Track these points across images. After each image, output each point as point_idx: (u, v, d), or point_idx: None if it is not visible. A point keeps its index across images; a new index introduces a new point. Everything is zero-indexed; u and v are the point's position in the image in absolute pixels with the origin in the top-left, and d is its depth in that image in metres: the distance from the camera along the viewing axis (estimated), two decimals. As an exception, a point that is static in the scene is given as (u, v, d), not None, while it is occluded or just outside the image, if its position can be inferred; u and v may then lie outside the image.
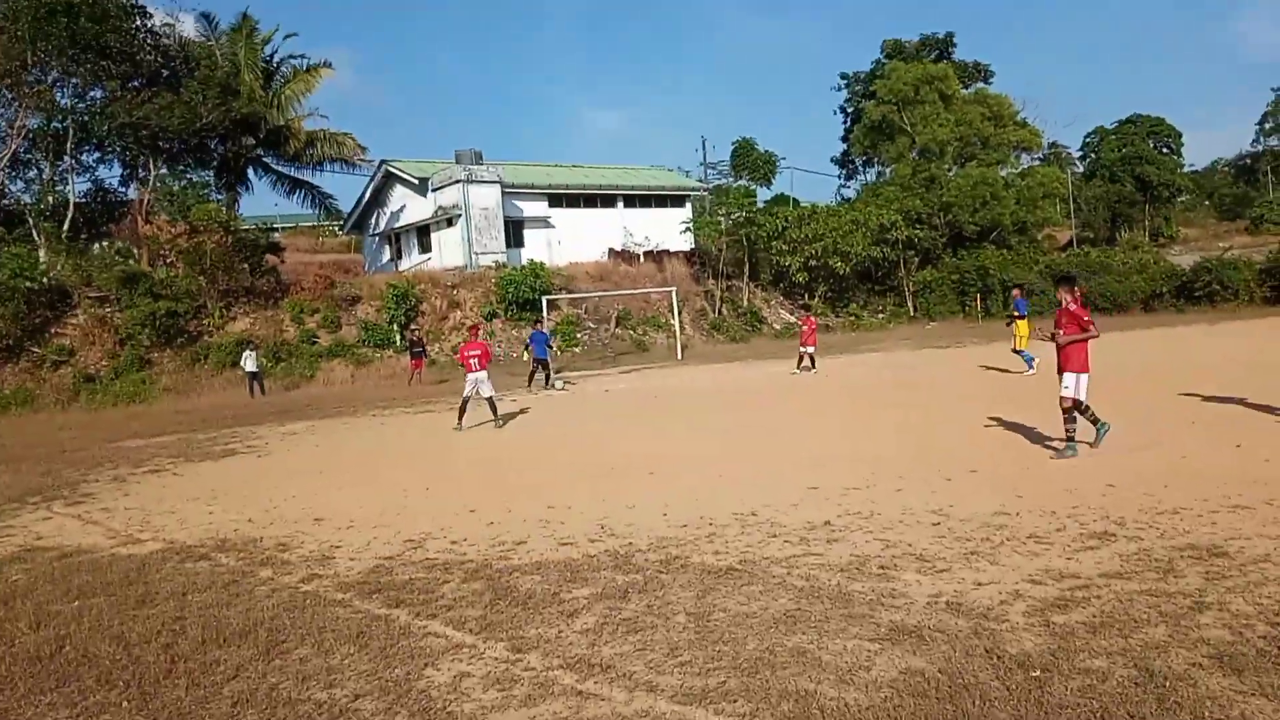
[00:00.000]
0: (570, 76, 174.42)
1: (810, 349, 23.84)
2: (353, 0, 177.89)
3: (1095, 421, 9.96)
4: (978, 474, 9.25)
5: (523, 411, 19.03)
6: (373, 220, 47.96)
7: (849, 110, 71.46)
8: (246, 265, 34.60)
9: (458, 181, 40.20)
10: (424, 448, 14.85)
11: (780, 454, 11.58)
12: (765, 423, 14.83)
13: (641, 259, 43.76)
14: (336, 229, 54.94)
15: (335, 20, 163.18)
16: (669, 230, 45.28)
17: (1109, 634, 4.77)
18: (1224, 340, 24.87)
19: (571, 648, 5.16)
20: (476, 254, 40.11)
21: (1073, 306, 10.17)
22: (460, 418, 16.24)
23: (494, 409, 16.47)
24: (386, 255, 47.32)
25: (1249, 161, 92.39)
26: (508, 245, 41.49)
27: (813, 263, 41.78)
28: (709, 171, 63.59)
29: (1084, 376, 9.91)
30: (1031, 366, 18.78)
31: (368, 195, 46.82)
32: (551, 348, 27.25)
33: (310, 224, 61.53)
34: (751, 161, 52.94)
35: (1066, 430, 9.95)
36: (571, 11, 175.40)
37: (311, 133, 41.02)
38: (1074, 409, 9.93)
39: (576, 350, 35.91)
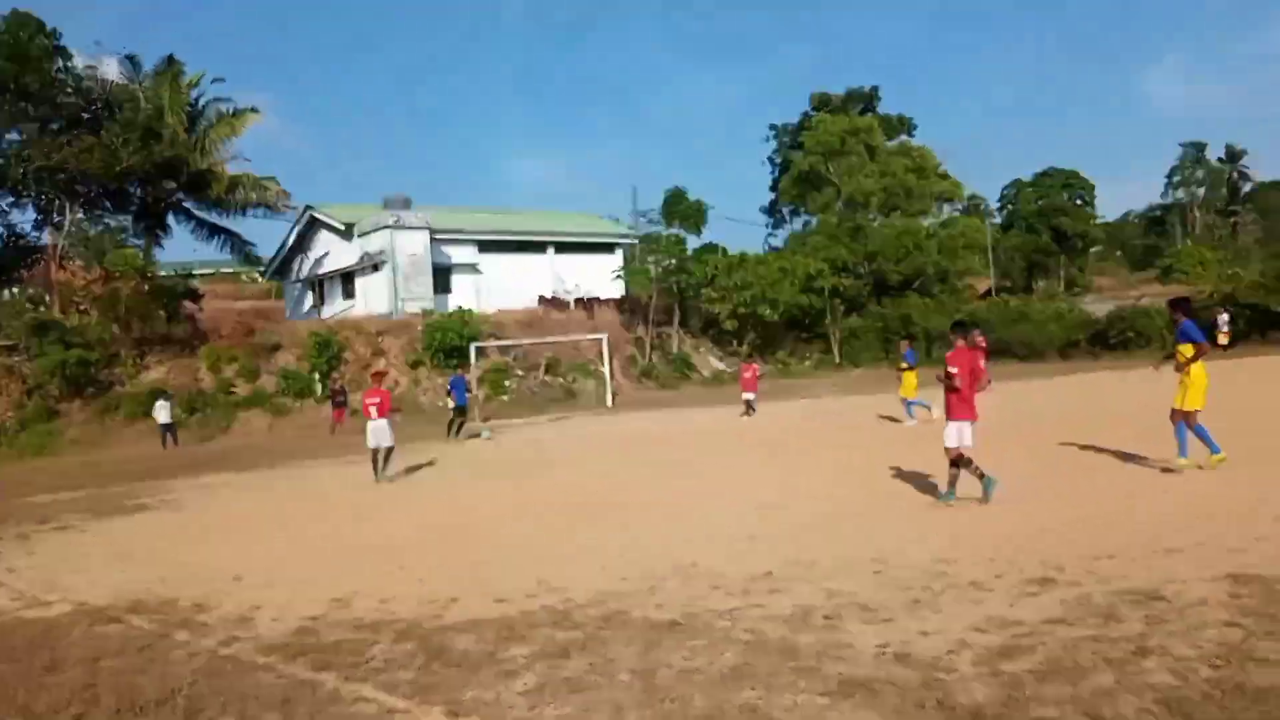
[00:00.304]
0: (499, 124, 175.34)
1: (750, 395, 24.07)
2: (282, 45, 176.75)
3: (980, 476, 9.76)
4: (914, 521, 9.26)
5: (431, 464, 18.67)
6: (295, 266, 47.11)
7: (777, 161, 72.93)
8: (163, 312, 33.58)
9: (385, 227, 39.75)
10: (348, 501, 14.38)
11: (717, 503, 11.48)
12: (699, 471, 14.72)
13: (572, 306, 43.68)
14: (258, 275, 53.87)
15: (264, 65, 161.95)
16: (599, 277, 45.31)
17: (1057, 682, 4.73)
18: (1142, 386, 25.57)
19: (512, 710, 4.94)
20: (403, 300, 39.59)
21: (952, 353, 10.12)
22: (375, 469, 15.87)
23: (385, 462, 15.91)
24: (309, 302, 46.46)
25: (1158, 213, 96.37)
26: (435, 292, 41.03)
27: (742, 310, 42.14)
28: (639, 219, 64.04)
29: (964, 425, 9.81)
30: (913, 416, 19.01)
31: (291, 241, 46.04)
32: (472, 393, 26.86)
33: (230, 270, 60.23)
34: (682, 210, 53.27)
35: (949, 476, 10.01)
36: (500, 61, 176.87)
37: (235, 177, 40.31)
38: (957, 460, 9.88)
39: (505, 398, 35.50)
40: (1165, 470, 10.68)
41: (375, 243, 40.42)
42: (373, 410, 15.98)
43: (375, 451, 15.85)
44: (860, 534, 8.82)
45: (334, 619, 7.08)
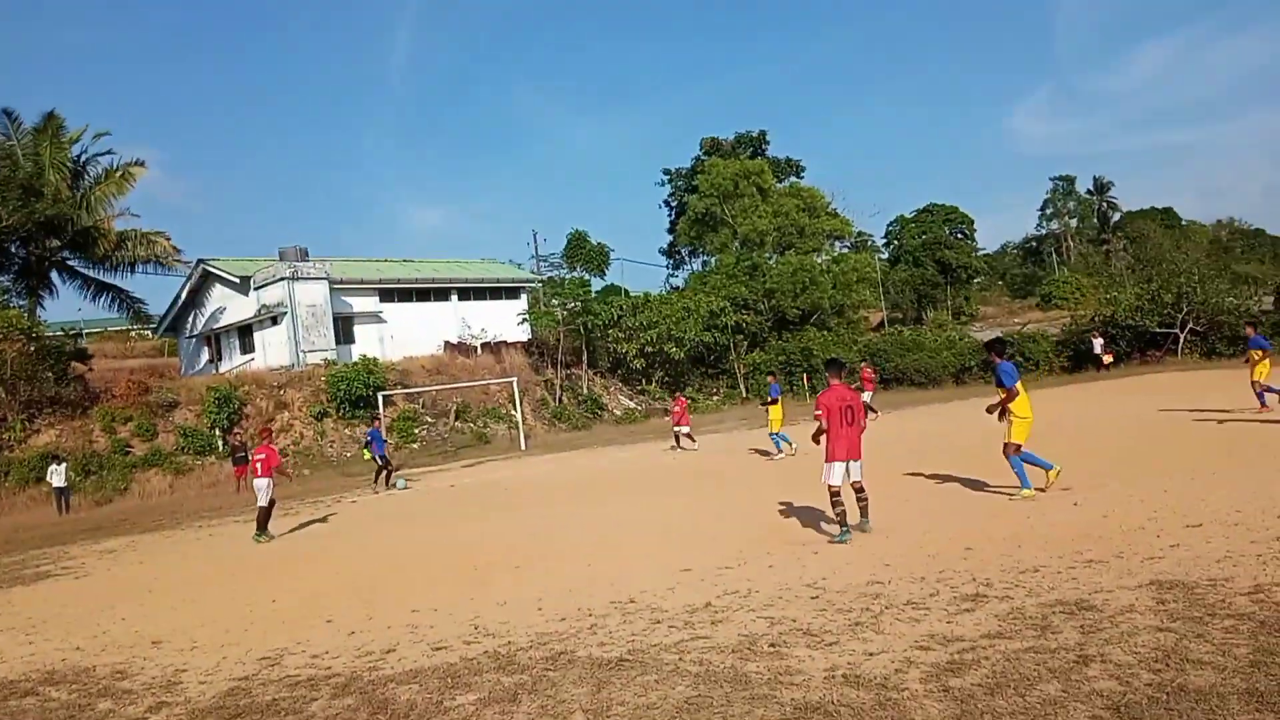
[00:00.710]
0: (394, 174, 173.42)
1: (683, 429, 24.59)
2: (170, 99, 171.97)
3: (839, 521, 9.74)
4: (840, 547, 9.41)
5: (325, 520, 18.20)
6: (190, 321, 45.55)
7: (673, 204, 74.19)
8: (50, 374, 32.00)
9: (283, 279, 38.83)
10: (261, 558, 13.86)
11: (646, 538, 11.48)
12: (621, 508, 14.70)
13: (479, 351, 43.31)
14: (149, 332, 51.89)
15: (151, 118, 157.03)
16: (505, 322, 45.12)
17: (1007, 694, 4.85)
18: (1040, 407, 26.60)
19: (469, 758, 4.83)
20: (304, 352, 38.64)
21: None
22: (261, 527, 15.55)
23: (262, 522, 15.53)
24: (205, 357, 44.92)
25: (1034, 244, 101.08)
26: (338, 342, 40.19)
27: (649, 349, 42.50)
28: (542, 264, 64.14)
29: (834, 465, 9.72)
30: (780, 449, 19.68)
31: (184, 296, 44.51)
32: (385, 442, 26.37)
33: (120, 328, 57.91)
34: (585, 253, 53.75)
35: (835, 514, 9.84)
36: (392, 111, 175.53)
37: (122, 233, 38.91)
38: (836, 495, 9.76)
39: (415, 446, 34.87)
40: (1021, 497, 11.03)
41: (273, 295, 39.43)
42: (258, 466, 15.68)
43: (264, 509, 15.50)
44: (793, 561, 8.93)
45: (266, 678, 6.81)
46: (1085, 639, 5.56)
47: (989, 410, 11.59)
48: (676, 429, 24.74)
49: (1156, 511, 9.15)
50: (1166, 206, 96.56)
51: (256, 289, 40.25)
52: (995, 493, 11.64)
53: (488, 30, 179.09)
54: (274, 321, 39.86)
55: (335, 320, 40.37)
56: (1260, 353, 17.49)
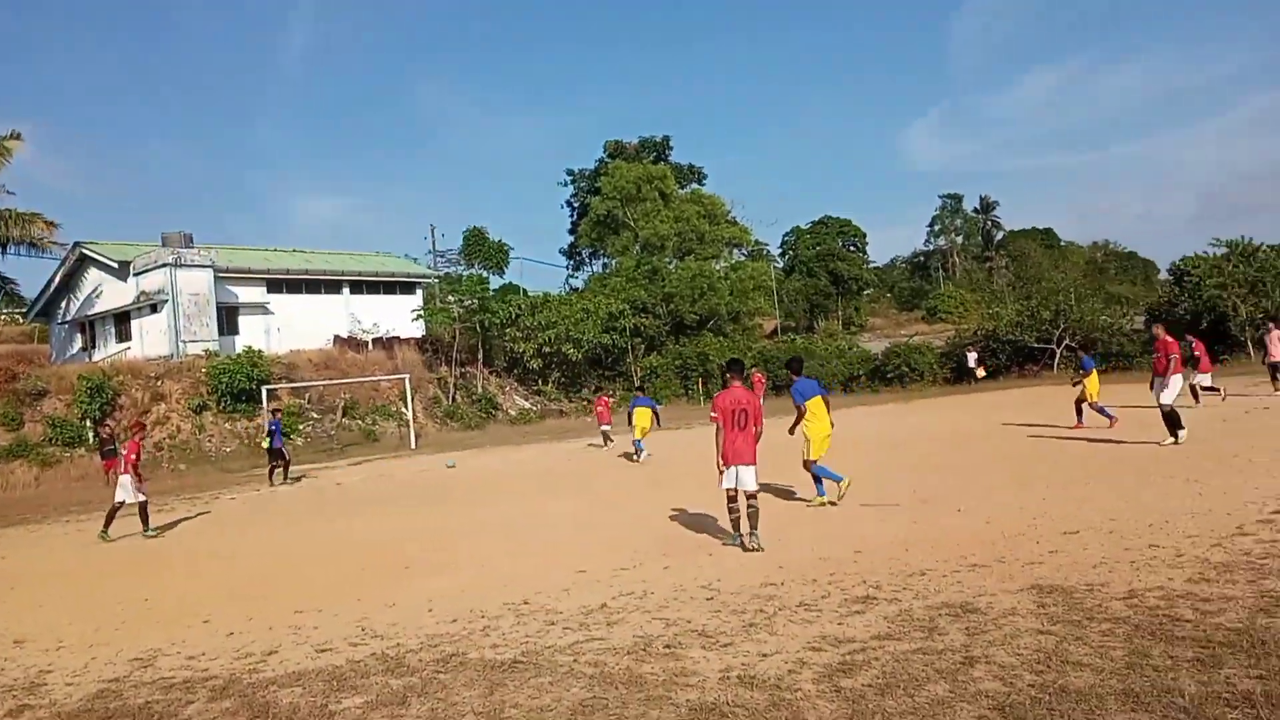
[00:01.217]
0: (287, 163, 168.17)
1: (605, 427, 25.51)
2: (47, 75, 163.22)
3: (733, 526, 9.70)
4: (735, 550, 9.47)
5: (202, 517, 17.57)
6: (63, 307, 43.26)
7: (575, 205, 74.05)
8: (-93, 358, 30.03)
9: (165, 265, 37.21)
10: (134, 555, 13.20)
11: (541, 539, 11.38)
12: (516, 509, 14.51)
13: (370, 346, 42.32)
14: (19, 316, 49.10)
15: (26, 94, 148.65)
16: (399, 317, 44.16)
17: (897, 694, 4.93)
18: (920, 417, 27.46)
19: (356, 763, 4.66)
20: (185, 342, 37.11)
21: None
22: (108, 522, 14.76)
23: (109, 519, 14.76)
24: (78, 344, 42.69)
25: (922, 259, 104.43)
26: (221, 333, 38.70)
27: (546, 349, 42.30)
28: (439, 260, 63.19)
29: (729, 470, 9.57)
30: (640, 457, 20.58)
31: (58, 280, 42.24)
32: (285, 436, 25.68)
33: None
34: (484, 250, 53.11)
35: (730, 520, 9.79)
36: (286, 99, 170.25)
37: (-7, 210, 36.76)
38: (732, 499, 9.68)
39: (299, 442, 33.83)
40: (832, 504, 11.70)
41: (153, 281, 37.76)
42: (122, 462, 15.01)
43: (140, 505, 14.77)
44: (689, 563, 8.95)
45: (138, 680, 6.47)
46: (970, 641, 5.71)
47: (790, 431, 12.04)
48: (603, 427, 25.67)
49: (1036, 519, 9.50)
50: (1047, 227, 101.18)
51: (136, 275, 38.49)
52: (886, 496, 11.90)
53: (390, 23, 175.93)
54: (154, 309, 38.19)
55: (219, 310, 38.92)
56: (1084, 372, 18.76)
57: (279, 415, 25.01)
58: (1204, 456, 12.82)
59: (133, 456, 14.95)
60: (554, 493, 16.40)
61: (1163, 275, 64.83)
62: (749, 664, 5.66)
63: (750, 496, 9.57)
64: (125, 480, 14.79)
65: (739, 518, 9.63)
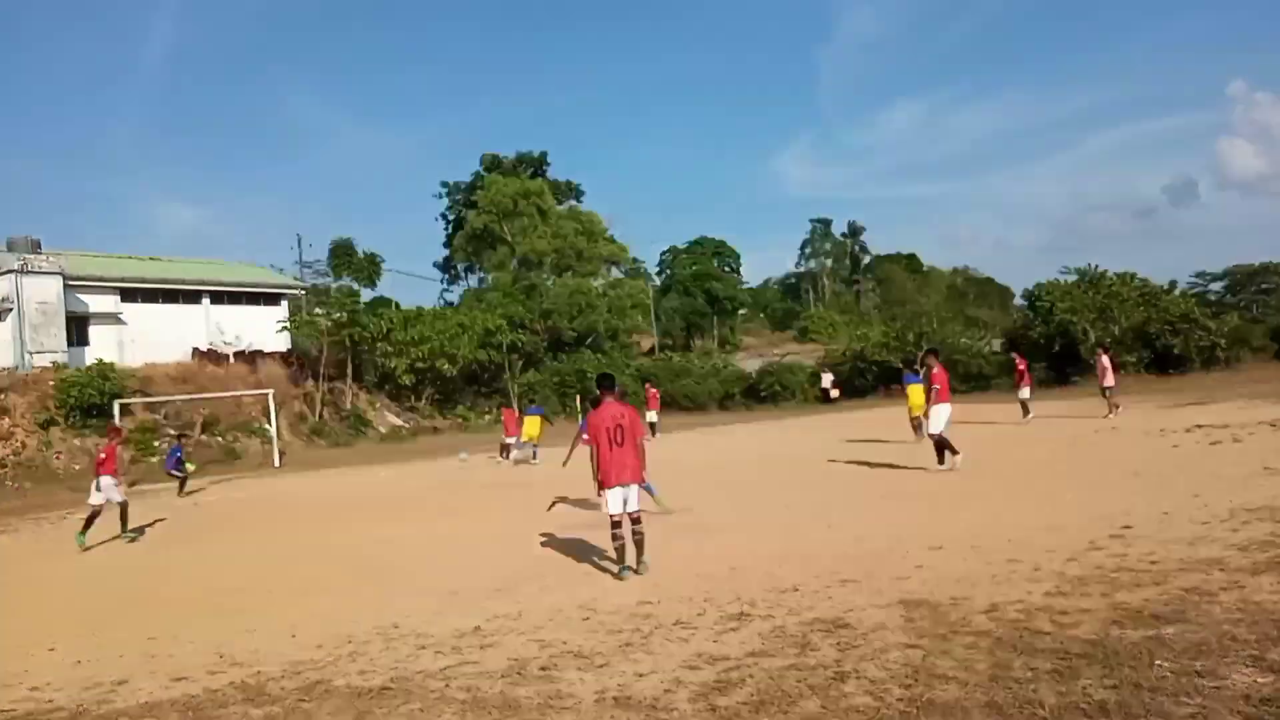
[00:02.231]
0: (142, 168, 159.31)
1: (510, 440, 25.25)
2: None
3: (617, 553, 9.07)
4: (613, 567, 9.40)
5: (47, 540, 16.54)
6: (-110, 313, 40.13)
7: (450, 217, 73.06)
8: None
9: (9, 271, 34.94)
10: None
11: (411, 561, 11.06)
12: (385, 529, 14.10)
13: (232, 359, 40.60)
14: None
15: None
16: (263, 330, 42.45)
17: (770, 711, 4.94)
18: (795, 434, 28.10)
19: (208, 802, 4.38)
20: (31, 353, 34.91)
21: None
22: (85, 526, 14.54)
23: (87, 523, 14.61)
24: (-93, 354, 39.66)
25: (794, 281, 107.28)
26: (70, 344, 36.55)
27: (419, 365, 41.43)
28: (305, 270, 61.33)
29: (605, 493, 9.02)
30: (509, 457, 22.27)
31: (-114, 284, 39.22)
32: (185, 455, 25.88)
33: None
34: (353, 263, 51.81)
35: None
36: (142, 100, 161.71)
37: None
38: (617, 525, 9.05)
39: (154, 460, 32.13)
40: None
41: (-4, 288, 35.46)
42: (100, 467, 15.14)
43: (95, 509, 14.71)
44: (565, 582, 8.85)
45: (-34, 718, 5.97)
46: (842, 656, 5.78)
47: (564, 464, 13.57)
48: (506, 439, 25.51)
49: (903, 535, 9.76)
50: (911, 252, 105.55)
51: (-23, 281, 36.06)
52: (756, 513, 12.07)
53: (257, 30, 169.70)
54: (-4, 318, 35.82)
55: (69, 320, 36.76)
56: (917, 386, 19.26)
57: (181, 442, 26.40)
58: (1059, 474, 13.49)
59: (109, 460, 15.03)
60: (426, 512, 16.03)
61: (1018, 300, 68.57)
62: (625, 684, 5.59)
63: (635, 520, 8.97)
64: (108, 482, 14.78)
65: (623, 546, 8.96)
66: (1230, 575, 6.89)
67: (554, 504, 14.19)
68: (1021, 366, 24.95)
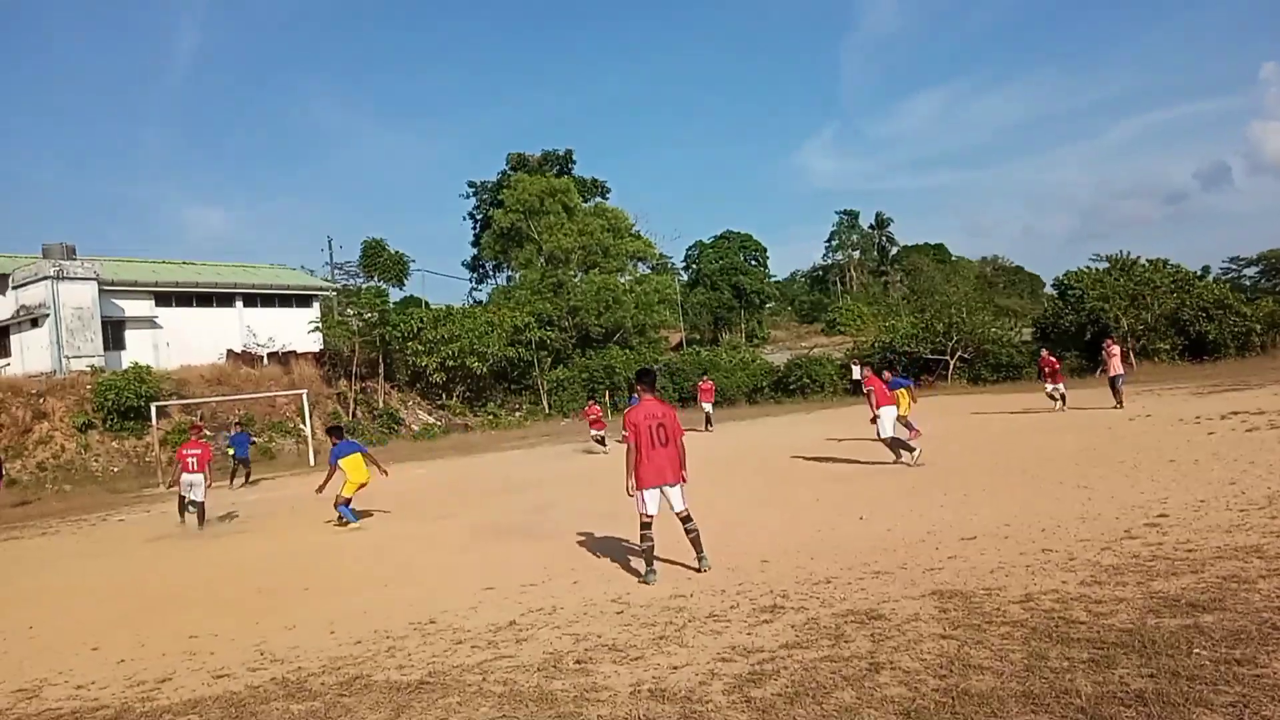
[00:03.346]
0: (175, 174, 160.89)
1: (598, 433, 25.65)
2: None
3: (647, 557, 8.70)
4: (640, 563, 9.43)
5: (89, 539, 16.83)
6: (-67, 320, 40.99)
7: (478, 217, 73.44)
8: None
9: (46, 278, 35.58)
10: (14, 580, 12.54)
11: (446, 556, 11.18)
12: (419, 526, 14.28)
13: (265, 361, 41.11)
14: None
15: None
16: (296, 331, 42.98)
17: (805, 703, 4.97)
18: (821, 427, 28.00)
19: (255, 794, 4.48)
20: (68, 358, 35.52)
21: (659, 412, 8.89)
22: (181, 513, 16.53)
23: (201, 516, 16.24)
24: (-50, 361, 40.48)
25: (820, 273, 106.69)
26: (106, 348, 37.17)
27: (450, 363, 41.71)
28: (337, 272, 61.88)
29: (641, 494, 8.69)
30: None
31: (-74, 292, 40.04)
32: (254, 444, 29.29)
33: None
34: (383, 262, 52.22)
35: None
36: (174, 105, 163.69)
37: None
38: (647, 526, 8.72)
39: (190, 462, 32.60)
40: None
41: (34, 295, 36.07)
42: (191, 462, 16.19)
43: (181, 499, 16.49)
44: (597, 576, 8.91)
45: (22, 712, 6.13)
46: (876, 647, 5.80)
47: (318, 490, 15.01)
48: (596, 434, 25.81)
49: (935, 526, 9.74)
50: (939, 243, 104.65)
51: (15, 288, 36.76)
52: (787, 506, 12.07)
53: (284, 32, 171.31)
54: (34, 324, 36.46)
55: (105, 324, 37.39)
56: (904, 390, 19.26)
57: (242, 429, 29.35)
58: (1092, 463, 13.37)
59: (206, 457, 16.41)
60: (458, 509, 16.15)
61: (1048, 289, 67.83)
62: (660, 677, 5.64)
63: (685, 519, 8.70)
64: (198, 480, 16.09)
65: (652, 547, 8.64)
66: (1269, 563, 6.83)
67: None
68: (1054, 364, 24.72)
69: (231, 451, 27.39)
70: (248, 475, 26.40)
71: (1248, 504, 9.16)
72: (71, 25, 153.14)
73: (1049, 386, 24.06)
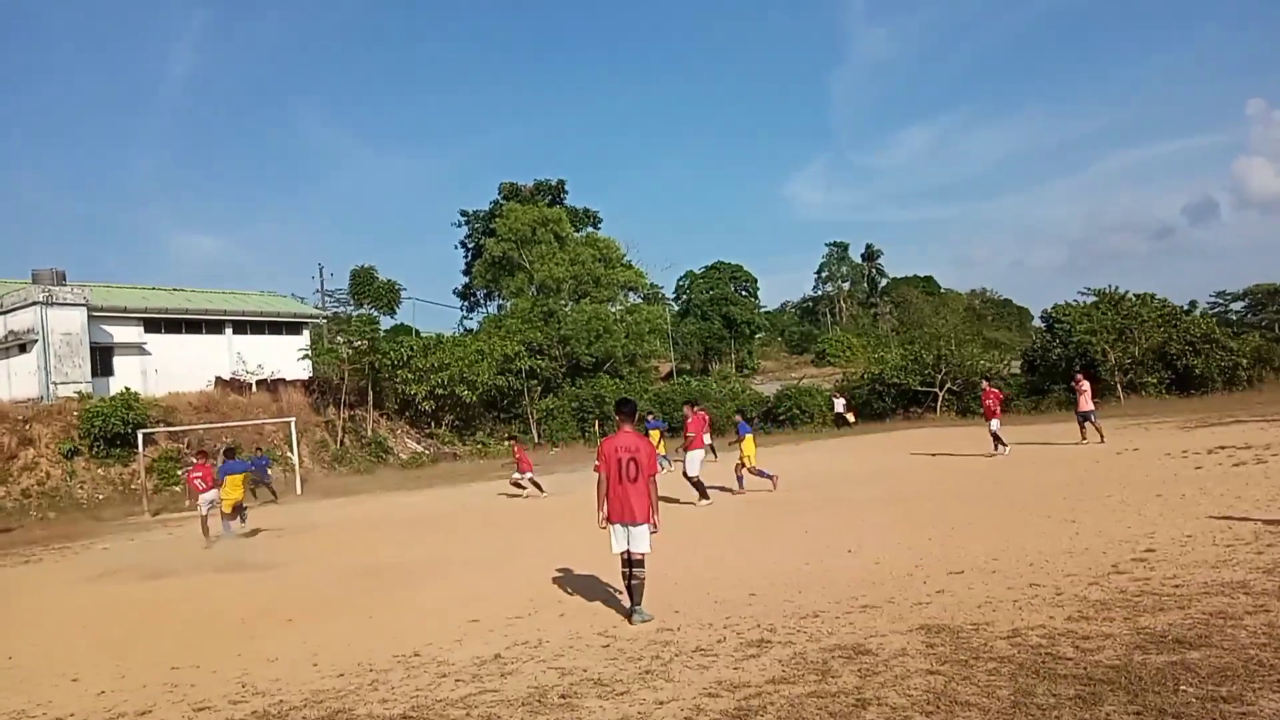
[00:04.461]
0: (165, 200, 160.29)
1: (528, 474, 23.75)
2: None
3: (631, 599, 8.41)
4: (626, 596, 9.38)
5: (68, 568, 16.66)
6: (-83, 345, 40.74)
7: (470, 245, 73.68)
8: None
9: (34, 303, 35.39)
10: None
11: (431, 588, 11.07)
12: (405, 556, 14.14)
13: (254, 388, 40.90)
14: None
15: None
16: (285, 358, 42.82)
17: (791, 739, 4.94)
18: (810, 456, 27.99)
19: (233, 832, 4.41)
20: (56, 384, 35.27)
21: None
22: (205, 532, 17.58)
23: (233, 520, 17.71)
24: (-66, 386, 40.17)
25: (811, 304, 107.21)
26: (95, 374, 36.92)
27: (439, 391, 41.60)
28: (327, 299, 61.83)
29: (615, 528, 8.41)
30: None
31: (-88, 317, 39.82)
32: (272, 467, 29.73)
33: None
34: (373, 290, 52.27)
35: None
36: (165, 134, 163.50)
37: None
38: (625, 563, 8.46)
39: (176, 489, 32.36)
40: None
41: (22, 320, 35.88)
42: (198, 483, 18.09)
43: (204, 519, 17.77)
44: (584, 609, 8.85)
45: (-7, 750, 6.03)
46: (863, 682, 5.77)
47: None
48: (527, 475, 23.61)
49: (923, 559, 9.73)
50: (928, 275, 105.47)
51: (4, 314, 36.60)
52: (777, 537, 12.04)
53: (276, 58, 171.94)
54: (22, 349, 36.26)
55: (93, 350, 37.16)
56: (749, 438, 19.43)
57: (261, 453, 30.16)
58: (1079, 497, 13.39)
59: (209, 475, 17.92)
60: (446, 539, 16.06)
61: (1036, 322, 68.18)
62: (645, 712, 5.60)
63: (637, 563, 8.26)
64: (214, 496, 17.53)
65: (630, 582, 8.36)
66: (1255, 599, 6.84)
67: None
68: (994, 399, 22.52)
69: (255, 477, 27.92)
70: (274, 494, 27.60)
71: (1234, 539, 9.18)
72: (63, 50, 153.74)
73: (992, 424, 21.86)
